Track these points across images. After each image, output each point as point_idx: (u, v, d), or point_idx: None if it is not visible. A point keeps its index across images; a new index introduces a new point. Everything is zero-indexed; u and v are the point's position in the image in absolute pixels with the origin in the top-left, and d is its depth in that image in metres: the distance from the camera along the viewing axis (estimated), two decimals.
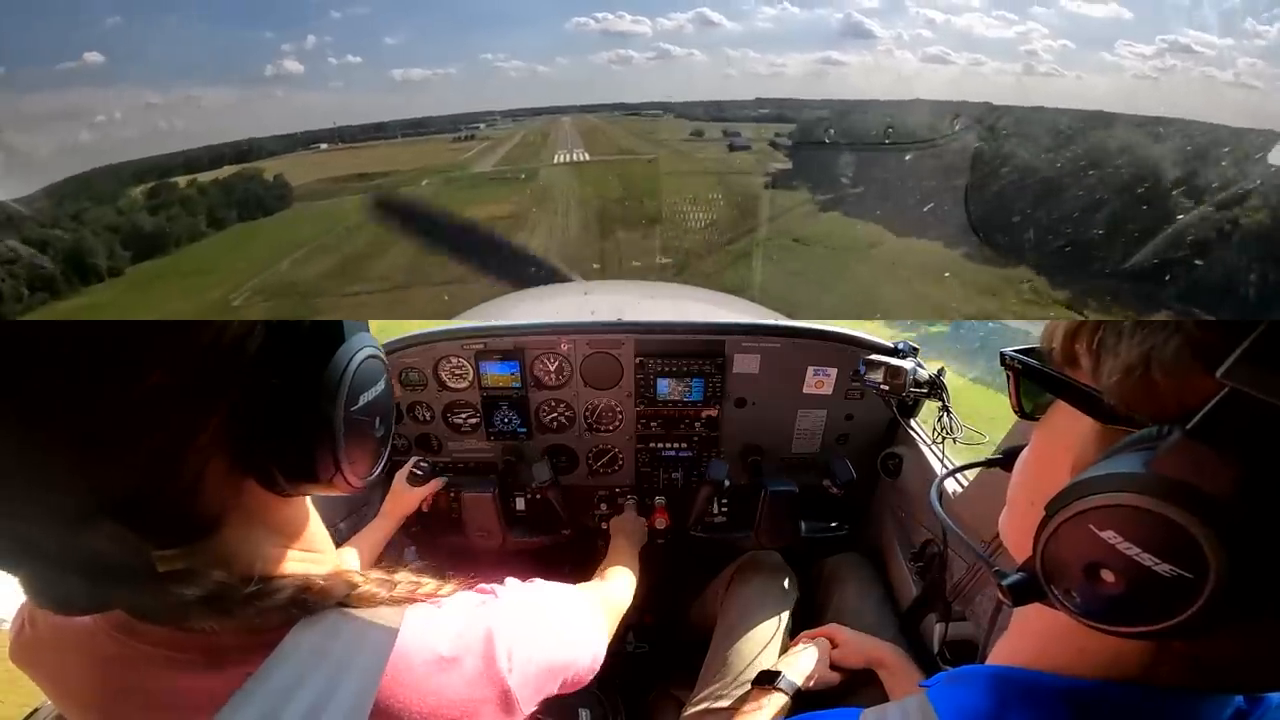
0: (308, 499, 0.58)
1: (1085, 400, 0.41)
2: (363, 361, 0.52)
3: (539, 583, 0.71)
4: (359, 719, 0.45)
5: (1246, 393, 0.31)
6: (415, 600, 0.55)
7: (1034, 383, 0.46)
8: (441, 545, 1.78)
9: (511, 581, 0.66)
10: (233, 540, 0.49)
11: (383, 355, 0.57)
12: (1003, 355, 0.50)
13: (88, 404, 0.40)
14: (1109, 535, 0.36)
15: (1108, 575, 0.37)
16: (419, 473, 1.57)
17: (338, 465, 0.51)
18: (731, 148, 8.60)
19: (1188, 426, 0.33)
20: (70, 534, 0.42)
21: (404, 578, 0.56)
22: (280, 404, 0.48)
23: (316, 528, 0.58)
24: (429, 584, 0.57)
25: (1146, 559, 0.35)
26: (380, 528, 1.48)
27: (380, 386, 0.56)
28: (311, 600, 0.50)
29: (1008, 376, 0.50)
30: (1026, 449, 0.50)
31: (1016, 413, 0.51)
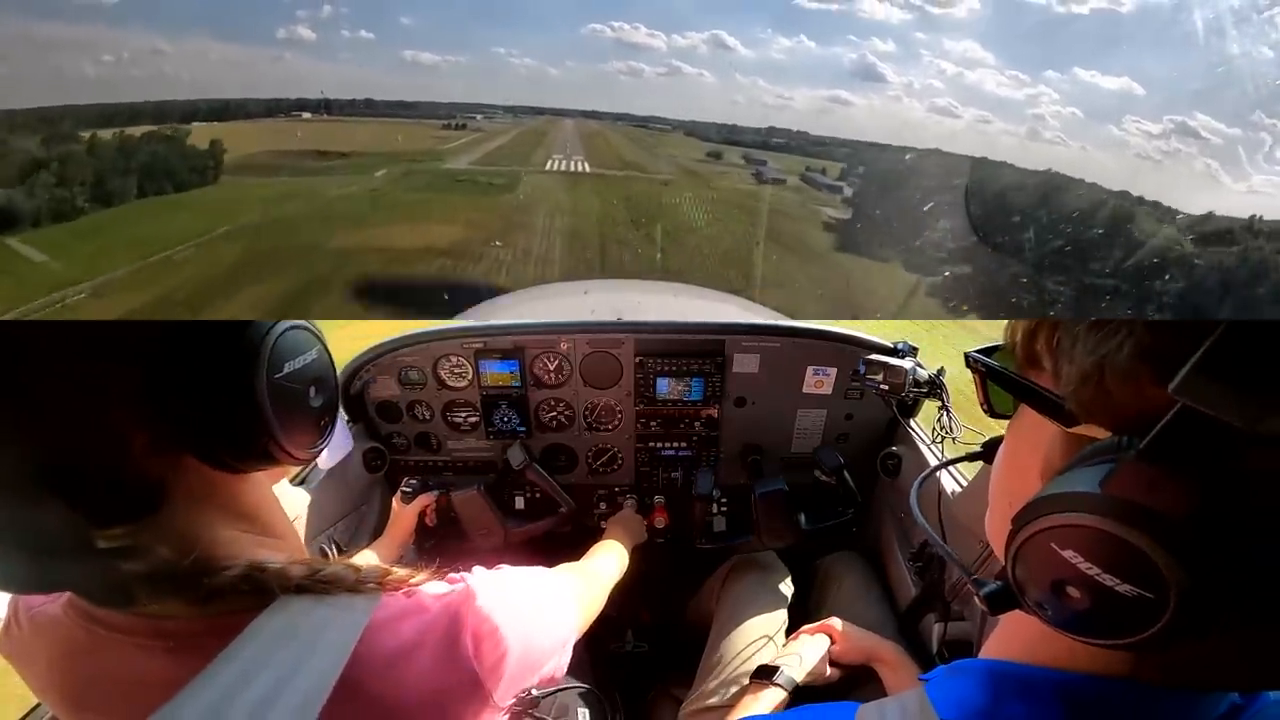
0: (267, 483, 0.58)
1: (1049, 407, 0.41)
2: (284, 331, 0.52)
3: (507, 569, 0.70)
4: (315, 702, 0.45)
5: (1197, 410, 0.31)
6: (383, 587, 0.55)
7: (999, 387, 0.46)
8: (451, 554, 1.77)
9: (479, 569, 0.65)
10: (179, 519, 0.49)
11: (313, 328, 0.57)
12: (967, 357, 0.50)
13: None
14: (1070, 555, 0.36)
15: (1073, 592, 0.37)
16: (408, 490, 1.60)
17: (271, 434, 0.51)
18: (760, 178, 7.86)
19: (1140, 447, 0.33)
20: (13, 512, 0.43)
21: (370, 566, 0.56)
22: (197, 374, 0.48)
23: (275, 512, 0.58)
24: (398, 572, 0.57)
25: (1107, 579, 0.35)
26: (382, 545, 1.51)
27: (310, 355, 0.55)
28: (266, 581, 0.49)
29: (974, 378, 0.50)
30: (1002, 445, 0.51)
31: (986, 412, 0.51)
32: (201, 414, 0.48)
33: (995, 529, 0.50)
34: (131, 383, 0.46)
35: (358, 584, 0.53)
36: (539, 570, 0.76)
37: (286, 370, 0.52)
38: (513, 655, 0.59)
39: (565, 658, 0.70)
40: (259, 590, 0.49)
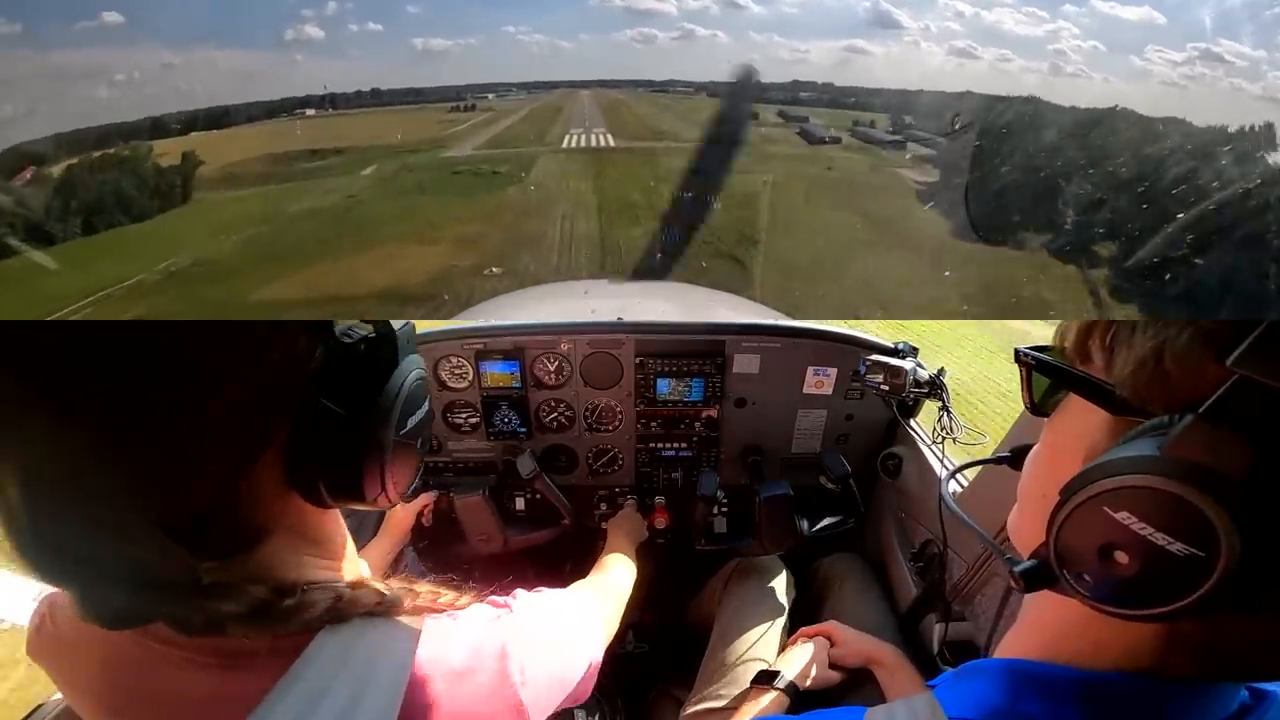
0: (337, 510, 0.58)
1: (1098, 393, 0.42)
2: (414, 385, 0.53)
3: (547, 594, 0.71)
4: None
5: (1256, 379, 0.33)
6: (435, 610, 0.56)
7: (1047, 377, 0.48)
8: (448, 556, 1.77)
9: (522, 594, 0.67)
10: (273, 552, 0.49)
11: (426, 373, 0.58)
12: (1017, 352, 0.51)
13: (158, 425, 0.40)
14: (1123, 516, 0.37)
15: (1121, 557, 0.38)
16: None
17: (384, 486, 0.52)
18: (809, 138, 6.50)
19: (1200, 410, 0.35)
20: (125, 550, 0.43)
21: (425, 588, 0.58)
22: (337, 426, 0.48)
23: (344, 537, 0.59)
24: (447, 595, 0.59)
25: (1160, 538, 0.36)
26: (380, 544, 1.50)
27: (425, 408, 0.57)
28: (344, 610, 0.50)
29: (1021, 372, 0.52)
30: (1037, 445, 0.51)
31: (1028, 408, 0.52)
32: (332, 467, 0.49)
33: (1026, 521, 0.51)
34: (281, 432, 0.46)
35: (415, 609, 0.54)
36: (571, 594, 0.78)
37: (409, 426, 0.53)
38: (554, 681, 0.61)
39: (593, 677, 0.72)
40: (336, 619, 0.50)
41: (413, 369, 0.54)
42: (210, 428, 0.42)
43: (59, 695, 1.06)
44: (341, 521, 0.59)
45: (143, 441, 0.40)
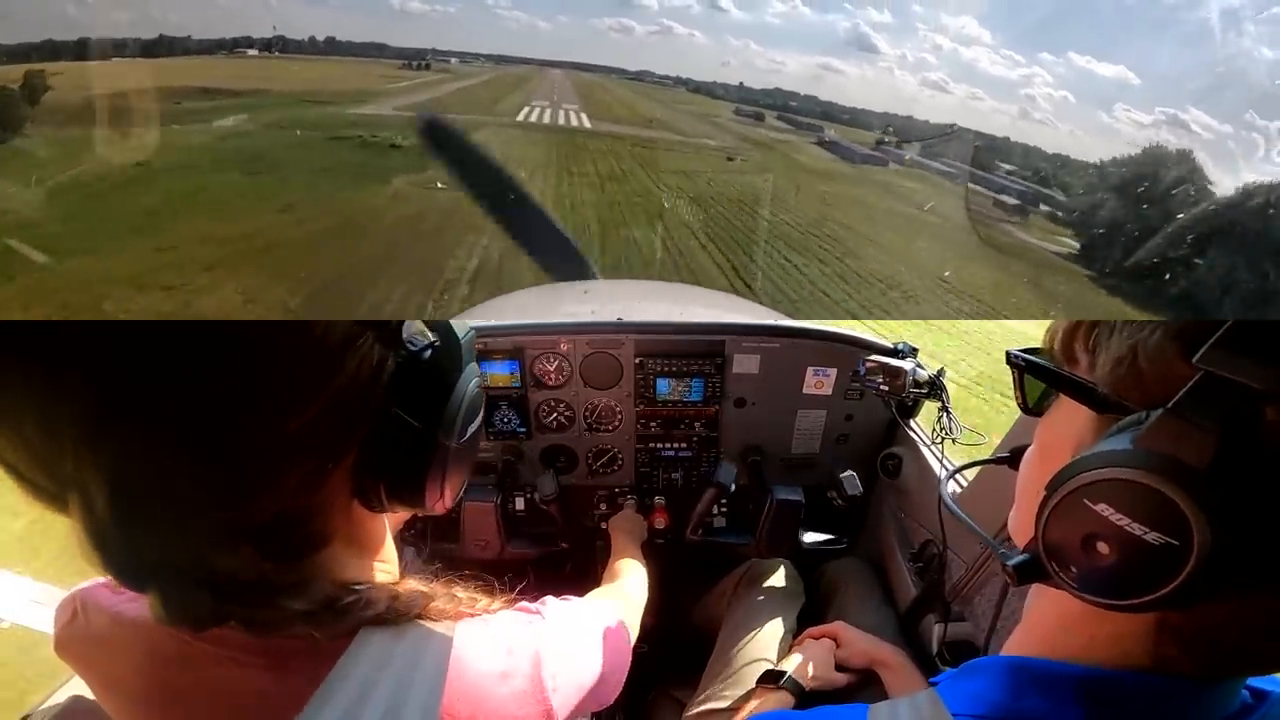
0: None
1: (1081, 391, 0.44)
2: (474, 393, 0.54)
3: (575, 602, 0.72)
4: None
5: (1219, 374, 0.34)
6: (471, 615, 0.56)
7: (1036, 378, 0.49)
8: (438, 553, 1.76)
9: (551, 601, 0.68)
10: (332, 555, 0.50)
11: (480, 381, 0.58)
12: (1008, 354, 0.53)
13: (242, 442, 0.41)
14: (1101, 508, 0.38)
15: (1102, 547, 0.39)
16: None
17: (442, 492, 0.53)
18: (834, 149, 5.76)
19: (1168, 406, 0.36)
20: (205, 554, 0.43)
21: (464, 593, 0.58)
22: (408, 435, 0.49)
23: (386, 538, 0.60)
24: (482, 600, 0.59)
25: (1136, 528, 0.37)
26: None
27: (480, 416, 0.57)
28: (398, 612, 0.51)
29: (1013, 374, 0.53)
30: (1031, 444, 0.52)
31: (1021, 408, 0.54)
32: (399, 474, 0.50)
33: (1021, 518, 0.51)
34: (356, 443, 0.47)
35: (456, 614, 0.55)
36: (598, 603, 0.79)
37: (468, 434, 0.54)
38: (582, 689, 0.62)
39: (618, 686, 0.73)
40: (391, 618, 0.50)
41: (473, 377, 0.54)
42: (290, 443, 0.43)
43: (53, 700, 1.04)
44: (386, 525, 0.59)
45: (226, 456, 0.41)
